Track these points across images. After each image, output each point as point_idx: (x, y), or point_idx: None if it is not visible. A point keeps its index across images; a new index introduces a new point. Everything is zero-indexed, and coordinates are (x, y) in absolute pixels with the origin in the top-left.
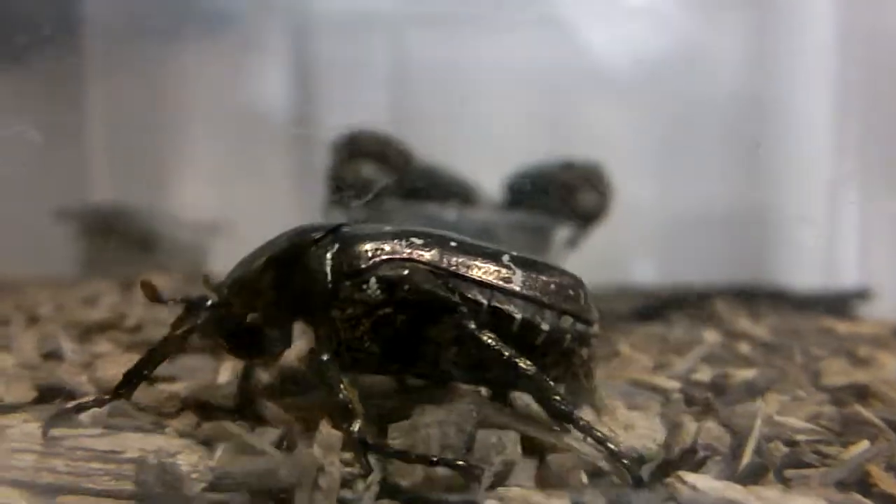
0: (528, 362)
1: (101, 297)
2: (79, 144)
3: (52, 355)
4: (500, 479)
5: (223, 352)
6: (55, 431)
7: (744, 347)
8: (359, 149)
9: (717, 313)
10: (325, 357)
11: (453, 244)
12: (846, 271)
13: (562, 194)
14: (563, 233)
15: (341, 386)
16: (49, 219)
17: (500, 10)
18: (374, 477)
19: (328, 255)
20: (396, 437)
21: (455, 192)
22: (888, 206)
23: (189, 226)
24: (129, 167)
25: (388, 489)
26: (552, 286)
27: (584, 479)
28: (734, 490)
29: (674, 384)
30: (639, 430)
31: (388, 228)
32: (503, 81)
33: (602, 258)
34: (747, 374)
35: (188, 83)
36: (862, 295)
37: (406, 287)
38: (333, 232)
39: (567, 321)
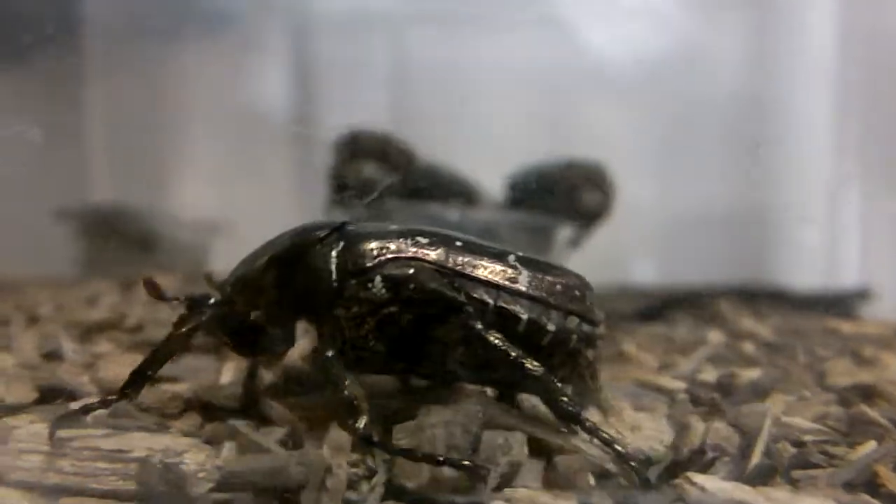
0: (536, 363)
1: (102, 297)
2: (79, 144)
3: (53, 355)
4: (507, 480)
5: (226, 352)
6: (61, 432)
7: (748, 347)
8: (360, 148)
9: (720, 313)
10: (329, 353)
11: (459, 243)
12: (846, 271)
13: (564, 194)
14: (565, 232)
15: (346, 383)
16: (49, 219)
17: (500, 10)
18: (380, 478)
19: (333, 254)
20: (402, 438)
21: (457, 191)
22: (888, 206)
23: (189, 226)
24: (129, 167)
25: (393, 490)
26: (558, 286)
27: (592, 480)
28: (743, 491)
29: (679, 384)
30: (646, 432)
31: (393, 227)
32: (503, 81)
33: (602, 258)
34: (752, 374)
35: (188, 83)
36: (863, 295)
37: (411, 286)
38: (338, 230)
39: (573, 322)
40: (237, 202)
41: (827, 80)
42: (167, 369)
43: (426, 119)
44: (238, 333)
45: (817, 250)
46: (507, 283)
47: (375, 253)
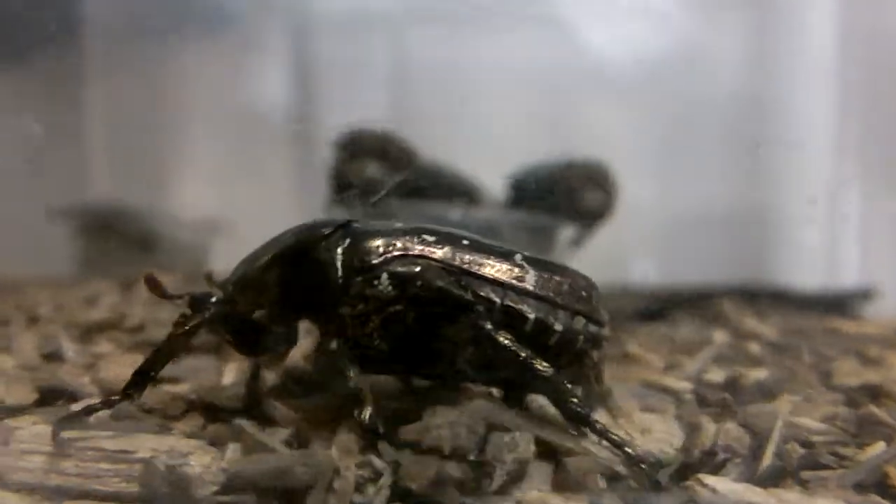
0: (545, 364)
1: (101, 297)
2: (79, 144)
3: (53, 356)
4: (514, 480)
5: (227, 352)
6: (65, 433)
7: (753, 348)
8: (361, 147)
9: (721, 313)
10: (333, 344)
11: (465, 242)
12: (846, 271)
13: (566, 193)
14: (567, 232)
15: (351, 373)
16: (49, 218)
17: (500, 10)
18: (385, 480)
19: (339, 250)
20: (407, 439)
21: (458, 191)
22: (888, 206)
23: (189, 225)
24: (129, 167)
25: (399, 493)
26: (565, 286)
27: (602, 483)
28: (754, 493)
29: (686, 385)
30: (656, 434)
31: (399, 225)
32: (503, 81)
33: (602, 258)
34: (759, 374)
35: (188, 83)
36: (865, 295)
37: (419, 283)
38: (343, 228)
39: (580, 322)
40: (237, 202)
41: (827, 80)
42: (168, 370)
43: (426, 119)
44: (240, 332)
45: (817, 250)
46: (514, 282)
47: (382, 250)
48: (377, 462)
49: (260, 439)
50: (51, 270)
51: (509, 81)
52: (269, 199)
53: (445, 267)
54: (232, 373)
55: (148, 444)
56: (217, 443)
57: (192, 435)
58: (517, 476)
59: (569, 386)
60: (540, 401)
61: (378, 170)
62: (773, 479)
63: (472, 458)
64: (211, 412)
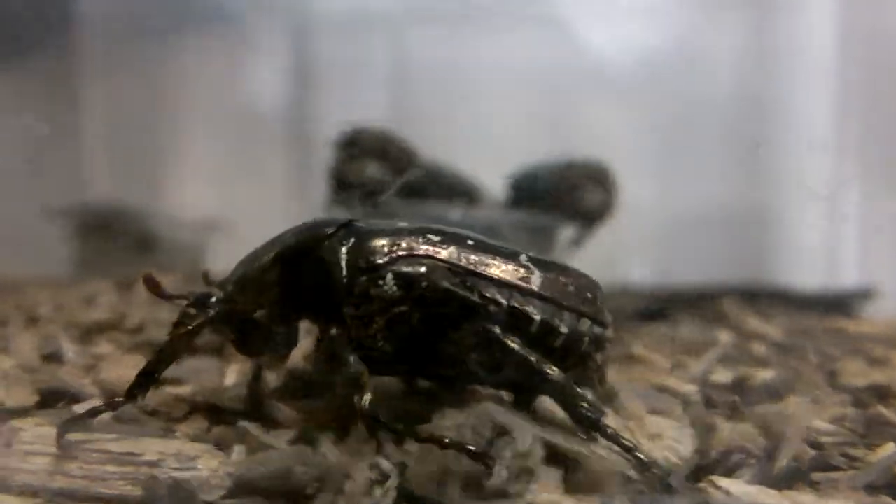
0: (555, 368)
1: (100, 298)
2: (78, 144)
3: (53, 357)
4: (523, 482)
5: (229, 353)
6: (69, 436)
7: (757, 348)
8: (361, 147)
9: (723, 313)
10: (334, 331)
11: (471, 242)
12: (846, 271)
13: (566, 193)
14: (567, 232)
15: (351, 360)
16: (47, 218)
17: (500, 10)
18: (392, 482)
19: (343, 250)
20: (412, 442)
21: (458, 191)
22: (888, 206)
23: (188, 225)
24: (128, 166)
25: (405, 495)
26: (570, 288)
27: (614, 486)
28: (768, 495)
29: (692, 387)
30: (666, 441)
31: (403, 225)
32: (503, 81)
33: (602, 258)
34: (765, 375)
35: (187, 82)
36: (865, 295)
37: (424, 284)
38: (346, 227)
39: (585, 324)
40: (237, 202)
41: (827, 80)
42: (170, 371)
43: (426, 119)
44: (241, 332)
45: (817, 250)
46: (519, 283)
47: (387, 250)
48: (384, 464)
49: (265, 441)
50: (49, 270)
51: (509, 81)
52: (268, 199)
53: (451, 267)
54: (234, 374)
55: (154, 448)
56: (222, 445)
57: (197, 438)
58: (526, 479)
59: (579, 390)
60: (547, 403)
61: (378, 170)
62: (786, 481)
63: (471, 447)
64: (214, 414)
